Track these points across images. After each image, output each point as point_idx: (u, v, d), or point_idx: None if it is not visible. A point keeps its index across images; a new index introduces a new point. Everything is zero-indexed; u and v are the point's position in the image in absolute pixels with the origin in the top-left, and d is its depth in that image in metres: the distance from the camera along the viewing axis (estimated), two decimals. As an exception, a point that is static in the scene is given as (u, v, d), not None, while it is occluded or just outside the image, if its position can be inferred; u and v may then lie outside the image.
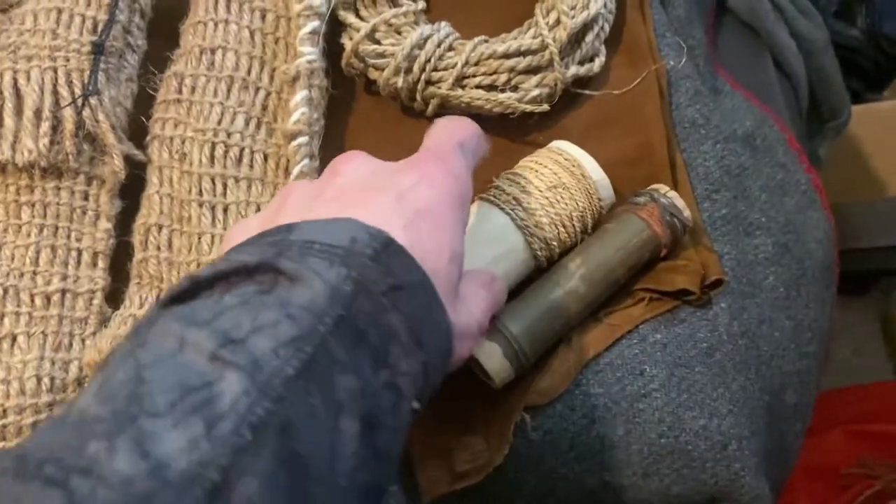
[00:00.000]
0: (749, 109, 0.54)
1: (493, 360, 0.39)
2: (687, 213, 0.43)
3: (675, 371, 0.41)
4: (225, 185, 0.44)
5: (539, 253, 0.41)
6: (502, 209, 0.41)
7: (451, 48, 0.45)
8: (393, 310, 0.25)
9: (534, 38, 0.45)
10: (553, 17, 0.45)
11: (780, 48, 0.63)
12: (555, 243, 0.41)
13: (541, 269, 0.42)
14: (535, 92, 0.45)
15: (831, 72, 0.69)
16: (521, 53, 0.45)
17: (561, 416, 0.40)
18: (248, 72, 0.46)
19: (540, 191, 0.41)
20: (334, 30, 0.48)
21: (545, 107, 0.45)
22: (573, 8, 0.45)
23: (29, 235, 0.43)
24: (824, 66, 0.68)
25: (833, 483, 0.97)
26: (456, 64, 0.45)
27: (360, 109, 0.50)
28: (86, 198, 0.44)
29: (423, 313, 0.27)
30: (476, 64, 0.45)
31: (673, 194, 0.43)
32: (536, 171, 0.42)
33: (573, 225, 0.42)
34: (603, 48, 0.47)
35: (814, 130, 0.73)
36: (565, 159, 0.43)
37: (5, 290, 0.42)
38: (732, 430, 0.41)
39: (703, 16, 0.58)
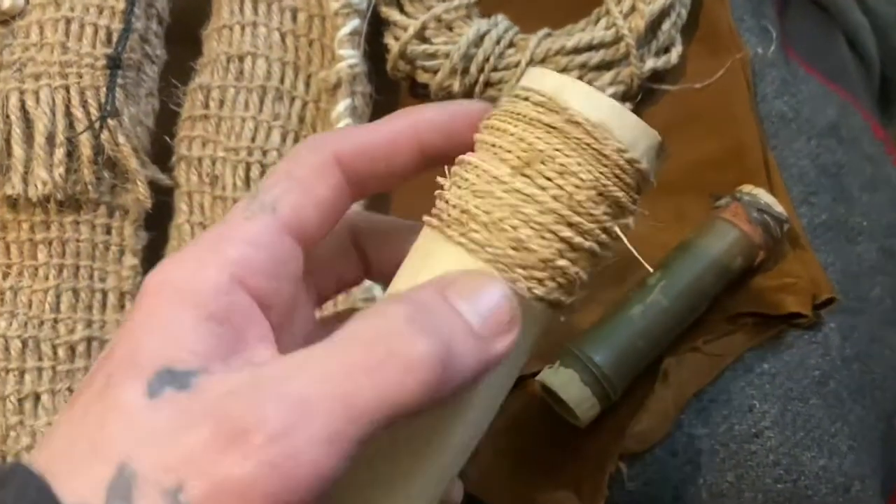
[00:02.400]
0: (828, 96, 0.48)
1: (571, 388, 0.34)
2: (779, 208, 0.38)
3: (789, 405, 0.36)
4: (263, 211, 0.39)
5: (526, 286, 0.23)
6: (450, 239, 0.24)
7: (511, 44, 0.40)
8: None
9: (606, 28, 0.40)
10: (627, 3, 0.40)
11: (853, 26, 0.57)
12: (555, 266, 0.23)
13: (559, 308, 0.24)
14: (611, 90, 0.39)
15: (902, 49, 0.64)
16: (592, 47, 0.39)
17: (661, 463, 0.36)
18: (282, 80, 0.41)
19: (502, 181, 0.24)
20: (374, 28, 0.43)
21: (628, 105, 0.40)
22: (649, -7, 0.40)
23: (47, 278, 0.38)
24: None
25: None
26: (519, 62, 0.39)
27: (406, 116, 0.44)
28: (108, 231, 0.39)
29: None
30: (542, 61, 0.40)
31: (757, 190, 0.38)
32: (495, 145, 0.24)
33: (585, 221, 0.23)
34: (678, 36, 0.42)
35: (880, 111, 0.68)
36: (537, 104, 0.24)
37: (24, 343, 0.37)
38: (854, 468, 0.36)
39: (771, -7, 0.52)
